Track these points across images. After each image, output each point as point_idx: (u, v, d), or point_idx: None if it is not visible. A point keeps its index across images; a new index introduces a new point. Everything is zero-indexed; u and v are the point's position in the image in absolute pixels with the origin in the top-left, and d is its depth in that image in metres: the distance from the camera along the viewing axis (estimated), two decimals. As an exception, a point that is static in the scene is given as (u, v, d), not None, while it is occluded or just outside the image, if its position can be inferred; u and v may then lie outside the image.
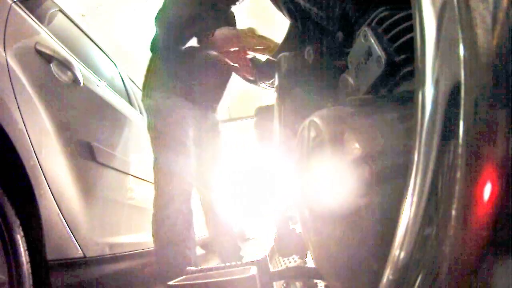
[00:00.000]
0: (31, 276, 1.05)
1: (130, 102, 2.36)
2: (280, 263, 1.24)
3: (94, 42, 2.18)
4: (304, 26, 0.72)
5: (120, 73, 2.47)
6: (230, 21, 1.92)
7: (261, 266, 0.73)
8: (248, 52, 1.61)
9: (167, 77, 1.86)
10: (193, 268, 0.78)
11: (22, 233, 1.06)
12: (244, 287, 0.62)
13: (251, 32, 1.56)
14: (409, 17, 0.41)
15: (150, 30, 1.88)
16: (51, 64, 1.38)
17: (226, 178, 2.13)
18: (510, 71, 0.25)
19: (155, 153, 1.79)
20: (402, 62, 0.46)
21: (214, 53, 1.75)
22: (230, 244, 2.03)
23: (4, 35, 1.18)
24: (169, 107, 1.80)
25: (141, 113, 2.35)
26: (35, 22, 1.42)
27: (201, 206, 2.08)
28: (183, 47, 1.72)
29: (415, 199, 0.29)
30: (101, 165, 1.65)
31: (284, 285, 0.83)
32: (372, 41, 0.48)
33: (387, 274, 0.32)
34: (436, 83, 0.28)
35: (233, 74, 1.99)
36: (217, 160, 2.06)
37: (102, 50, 2.27)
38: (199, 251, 2.02)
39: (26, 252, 1.06)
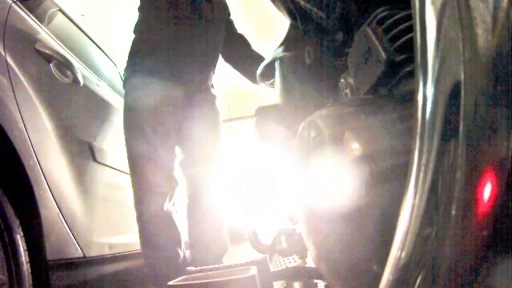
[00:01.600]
0: (31, 276, 1.05)
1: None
2: (280, 263, 1.24)
3: (94, 42, 2.18)
4: (304, 26, 0.72)
5: (120, 73, 2.47)
6: None
7: (261, 266, 0.73)
8: None
9: (138, 49, 1.62)
10: (193, 268, 0.78)
11: (22, 233, 1.06)
12: (244, 287, 0.62)
13: None
14: (409, 17, 0.41)
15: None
16: (51, 64, 1.38)
17: (225, 172, 1.79)
18: (510, 71, 0.25)
19: (126, 145, 1.60)
20: (402, 62, 0.46)
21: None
22: (216, 247, 1.71)
23: (4, 35, 1.18)
24: (137, 86, 1.57)
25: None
26: (35, 22, 1.42)
27: (187, 200, 1.78)
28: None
29: (415, 199, 0.29)
30: (101, 165, 1.65)
31: (284, 285, 0.83)
32: (372, 41, 0.48)
33: (387, 274, 0.32)
34: (436, 83, 0.28)
35: (222, 40, 1.74)
36: (212, 148, 1.74)
37: (102, 50, 2.27)
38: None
39: (26, 252, 1.05)
